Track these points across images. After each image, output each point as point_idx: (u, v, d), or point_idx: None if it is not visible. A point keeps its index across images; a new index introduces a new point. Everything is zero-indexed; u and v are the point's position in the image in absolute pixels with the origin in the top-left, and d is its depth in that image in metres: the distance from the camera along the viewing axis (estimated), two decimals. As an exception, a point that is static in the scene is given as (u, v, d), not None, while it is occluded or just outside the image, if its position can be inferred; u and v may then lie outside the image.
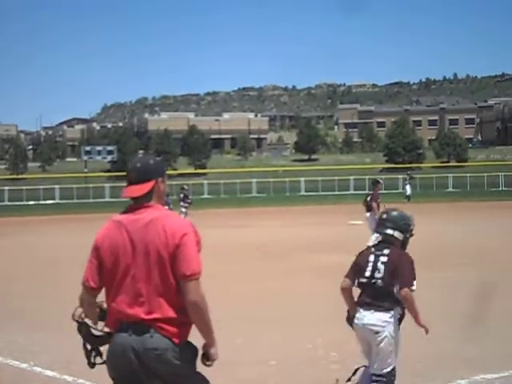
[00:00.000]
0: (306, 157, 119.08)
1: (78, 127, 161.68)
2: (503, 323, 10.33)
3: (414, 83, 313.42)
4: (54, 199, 60.66)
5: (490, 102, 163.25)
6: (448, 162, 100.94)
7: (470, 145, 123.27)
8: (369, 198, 20.44)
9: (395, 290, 6.27)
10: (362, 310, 6.42)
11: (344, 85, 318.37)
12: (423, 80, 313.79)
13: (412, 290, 6.23)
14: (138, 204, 4.38)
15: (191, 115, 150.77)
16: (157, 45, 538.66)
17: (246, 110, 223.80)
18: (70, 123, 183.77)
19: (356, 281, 6.53)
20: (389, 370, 6.35)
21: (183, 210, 29.90)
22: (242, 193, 63.18)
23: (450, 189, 61.92)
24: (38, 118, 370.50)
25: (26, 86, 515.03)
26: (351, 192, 57.05)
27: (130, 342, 4.19)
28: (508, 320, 10.52)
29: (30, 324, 11.22)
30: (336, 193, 56.12)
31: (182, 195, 31.27)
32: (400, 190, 56.25)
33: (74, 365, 8.29)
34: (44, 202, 58.33)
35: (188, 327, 4.30)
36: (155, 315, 4.19)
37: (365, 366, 6.60)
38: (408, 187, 49.68)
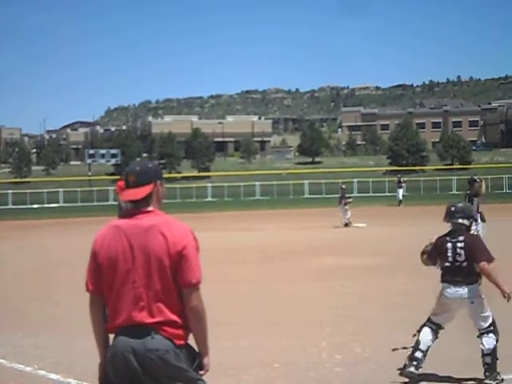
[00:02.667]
0: (309, 159, 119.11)
1: (82, 130, 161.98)
2: (506, 326, 10.31)
3: (417, 86, 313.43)
4: (58, 202, 60.75)
5: (494, 105, 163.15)
6: (452, 164, 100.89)
7: (474, 147, 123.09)
8: (467, 199, 19.22)
9: (476, 267, 7.89)
10: (452, 287, 7.94)
11: (347, 87, 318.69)
12: (427, 82, 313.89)
13: (492, 260, 8.03)
14: (137, 208, 4.36)
15: (195, 118, 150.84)
16: (160, 48, 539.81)
17: (250, 112, 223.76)
18: (73, 126, 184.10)
19: (438, 264, 8.26)
20: (490, 321, 8.04)
21: None
22: (246, 196, 63.20)
23: (454, 191, 61.84)
24: (41, 121, 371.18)
25: (29, 90, 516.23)
26: (355, 194, 56.95)
27: (130, 344, 4.18)
28: (509, 321, 10.50)
29: (34, 327, 11.23)
30: (340, 195, 55.97)
31: None
32: (405, 193, 56.22)
33: (77, 368, 8.30)
34: (48, 206, 58.41)
35: (188, 330, 4.30)
36: (157, 319, 4.20)
37: (429, 326, 8.17)
38: (400, 191, 48.01)
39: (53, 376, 8.25)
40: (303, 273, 16.84)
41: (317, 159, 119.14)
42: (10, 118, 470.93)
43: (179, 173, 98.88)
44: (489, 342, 7.89)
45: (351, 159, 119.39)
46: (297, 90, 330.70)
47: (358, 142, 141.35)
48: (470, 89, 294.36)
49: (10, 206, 58.27)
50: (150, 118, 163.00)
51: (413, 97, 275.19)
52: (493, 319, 8.05)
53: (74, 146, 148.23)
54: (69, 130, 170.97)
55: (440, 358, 8.60)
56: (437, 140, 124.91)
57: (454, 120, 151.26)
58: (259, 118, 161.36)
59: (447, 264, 8.05)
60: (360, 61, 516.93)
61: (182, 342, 4.25)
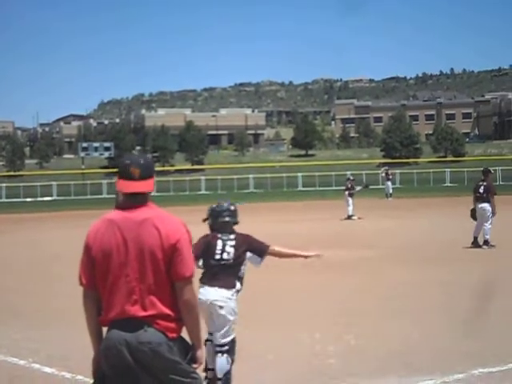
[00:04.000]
0: (303, 152, 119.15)
1: (75, 124, 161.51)
2: (502, 318, 10.35)
3: (410, 78, 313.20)
4: (51, 196, 60.67)
5: (487, 97, 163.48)
6: (445, 156, 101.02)
7: (467, 139, 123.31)
8: (481, 190, 19.22)
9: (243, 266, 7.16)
10: (207, 287, 6.89)
11: (341, 80, 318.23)
12: (420, 75, 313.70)
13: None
14: (132, 201, 4.35)
15: (188, 111, 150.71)
16: (153, 41, 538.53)
17: (243, 105, 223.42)
18: (66, 120, 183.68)
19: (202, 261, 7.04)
20: (230, 339, 7.00)
21: None
22: (240, 188, 63.20)
23: (448, 183, 61.97)
24: (34, 114, 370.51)
25: (22, 83, 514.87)
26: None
27: (123, 336, 4.20)
28: (507, 315, 10.54)
29: (29, 321, 11.23)
30: (333, 188, 56.05)
31: None
32: (398, 185, 56.28)
33: (72, 361, 8.30)
34: (41, 199, 58.32)
35: (181, 323, 4.32)
36: (150, 312, 4.21)
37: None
38: (389, 184, 46.62)
39: (47, 369, 8.25)
40: (297, 265, 16.83)
41: (310, 152, 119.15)
42: (2, 111, 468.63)
43: (172, 166, 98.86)
44: (223, 363, 6.93)
45: (345, 152, 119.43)
46: (290, 82, 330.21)
47: (352, 135, 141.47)
48: (463, 81, 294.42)
49: (4, 200, 58.20)
50: (144, 111, 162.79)
51: (406, 89, 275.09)
52: (234, 339, 7.11)
53: (68, 140, 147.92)
54: (62, 124, 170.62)
55: (442, 352, 8.63)
56: (430, 132, 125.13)
57: (447, 112, 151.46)
58: (253, 111, 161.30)
59: (213, 262, 7.04)
60: (353, 53, 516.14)
61: (174, 335, 4.26)
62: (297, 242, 21.72)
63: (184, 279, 4.25)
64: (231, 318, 6.95)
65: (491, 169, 21.11)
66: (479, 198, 19.13)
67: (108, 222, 4.35)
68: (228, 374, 6.93)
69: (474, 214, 19.24)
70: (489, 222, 18.84)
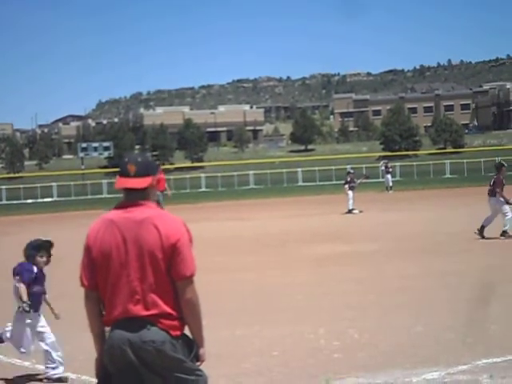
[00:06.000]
0: (302, 147, 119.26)
1: (74, 124, 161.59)
2: (505, 309, 10.35)
3: (408, 70, 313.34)
4: (51, 197, 60.57)
5: (485, 87, 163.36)
6: (444, 148, 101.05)
7: (467, 130, 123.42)
8: (492, 182, 19.26)
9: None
10: None
11: (338, 74, 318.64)
12: (417, 67, 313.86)
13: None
14: (130, 200, 4.36)
15: (186, 109, 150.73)
16: (150, 40, 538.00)
17: (241, 102, 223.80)
18: (65, 120, 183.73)
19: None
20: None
21: None
22: (240, 185, 63.15)
23: (448, 175, 61.95)
24: (33, 116, 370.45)
25: (20, 85, 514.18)
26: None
27: (126, 336, 4.20)
28: (510, 305, 10.54)
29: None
30: (333, 182, 56.04)
31: None
32: (398, 178, 56.26)
33: (77, 362, 8.31)
34: (42, 200, 58.25)
35: (184, 321, 4.32)
36: (152, 311, 4.21)
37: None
38: (389, 176, 46.22)
39: (52, 370, 8.24)
40: (300, 260, 16.86)
41: (310, 147, 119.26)
42: (1, 113, 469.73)
43: (172, 164, 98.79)
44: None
45: (344, 146, 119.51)
46: (288, 77, 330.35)
47: (351, 129, 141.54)
48: (461, 72, 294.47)
49: (4, 202, 58.15)
50: (142, 110, 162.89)
51: (404, 82, 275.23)
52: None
53: (67, 140, 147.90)
54: (60, 124, 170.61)
55: (446, 344, 8.63)
56: (429, 124, 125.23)
57: (445, 104, 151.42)
58: (251, 107, 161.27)
59: None
60: (350, 47, 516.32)
61: (178, 333, 4.26)
62: (297, 237, 21.76)
63: (185, 279, 4.24)
64: None
65: (504, 162, 20.97)
66: (489, 192, 19.19)
67: (108, 222, 4.34)
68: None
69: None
70: (506, 213, 18.74)
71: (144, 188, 4.35)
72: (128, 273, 4.24)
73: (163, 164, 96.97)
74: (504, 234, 18.57)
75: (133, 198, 4.35)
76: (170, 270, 4.23)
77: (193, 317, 4.31)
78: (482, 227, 18.75)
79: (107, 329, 4.34)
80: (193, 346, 4.35)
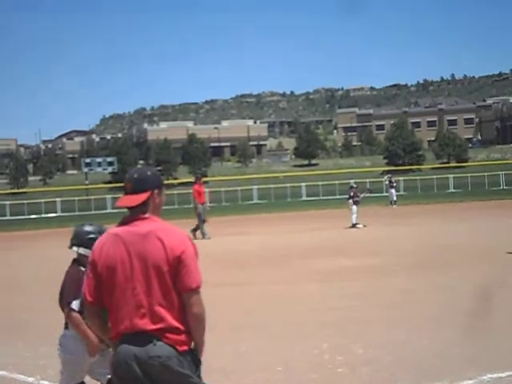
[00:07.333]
0: (306, 162, 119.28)
1: (78, 139, 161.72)
2: (509, 322, 10.34)
3: (411, 85, 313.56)
4: (55, 212, 60.60)
5: (489, 102, 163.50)
6: (448, 162, 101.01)
7: (470, 145, 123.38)
8: None
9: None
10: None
11: (342, 89, 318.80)
12: (421, 81, 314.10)
13: (72, 310, 6.06)
14: (133, 215, 4.39)
15: (190, 124, 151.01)
16: (154, 55, 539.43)
17: (245, 116, 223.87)
18: (69, 136, 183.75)
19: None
20: None
21: None
22: (244, 200, 63.15)
23: (452, 189, 61.87)
24: (37, 131, 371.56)
25: (24, 100, 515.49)
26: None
27: (133, 351, 4.20)
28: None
29: (37, 337, 11.22)
30: (337, 197, 56.01)
31: None
32: (402, 193, 56.18)
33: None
34: (46, 216, 58.26)
35: (191, 336, 4.32)
36: (159, 325, 4.22)
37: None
38: (393, 191, 46.22)
39: (56, 386, 8.24)
40: (303, 275, 16.84)
41: (313, 161, 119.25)
42: (5, 129, 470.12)
43: (176, 179, 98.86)
44: None
45: (347, 160, 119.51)
46: (291, 92, 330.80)
47: (354, 143, 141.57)
48: (464, 87, 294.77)
49: (8, 217, 58.15)
50: (146, 125, 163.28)
51: (407, 96, 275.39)
52: None
53: (71, 155, 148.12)
54: (64, 140, 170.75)
55: (451, 358, 8.62)
56: (432, 139, 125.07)
57: (449, 118, 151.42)
58: (255, 122, 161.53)
59: None
60: (354, 62, 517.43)
61: (184, 348, 4.26)
62: (301, 251, 21.74)
63: (191, 291, 4.25)
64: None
65: None
66: None
67: (113, 236, 4.37)
68: None
69: None
70: None
71: (143, 202, 4.38)
72: (134, 286, 4.25)
73: (167, 179, 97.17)
74: None
75: (135, 212, 4.39)
76: (175, 283, 4.23)
77: (198, 330, 4.31)
78: None
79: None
80: (199, 362, 4.35)
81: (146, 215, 4.37)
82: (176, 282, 4.24)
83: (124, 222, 4.41)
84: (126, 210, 4.45)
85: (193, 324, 4.27)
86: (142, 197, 4.38)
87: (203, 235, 27.19)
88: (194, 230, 27.11)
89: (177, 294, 4.25)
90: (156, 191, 4.45)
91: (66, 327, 6.29)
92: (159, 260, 4.23)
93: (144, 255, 4.25)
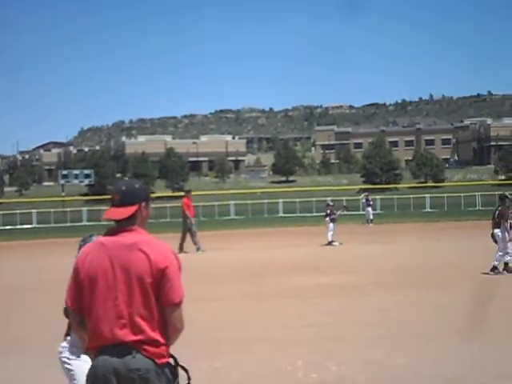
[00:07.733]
0: (283, 178, 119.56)
1: (55, 151, 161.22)
2: (487, 343, 10.33)
3: (390, 104, 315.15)
4: (31, 224, 60.18)
5: (466, 123, 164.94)
6: (425, 182, 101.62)
7: (447, 165, 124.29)
8: (496, 214, 19.02)
9: None
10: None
11: (321, 106, 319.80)
12: (399, 101, 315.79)
13: None
14: (120, 227, 4.37)
15: (168, 138, 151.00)
16: (133, 68, 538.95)
17: (224, 132, 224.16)
18: (46, 147, 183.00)
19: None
20: None
21: None
22: (221, 215, 63.05)
23: (428, 209, 62.13)
24: (14, 142, 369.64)
25: (1, 111, 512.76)
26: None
27: (111, 363, 4.17)
28: (491, 340, 10.53)
29: (5, 349, 11.09)
30: (314, 214, 56.07)
31: None
32: (378, 211, 56.33)
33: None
34: (21, 227, 57.86)
35: (168, 348, 4.31)
36: (138, 337, 4.19)
37: None
38: (369, 209, 45.96)
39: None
40: (279, 291, 16.81)
41: (291, 178, 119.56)
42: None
43: (153, 193, 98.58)
44: None
45: (325, 178, 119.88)
46: (271, 109, 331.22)
47: (332, 161, 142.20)
48: (442, 107, 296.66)
49: (-17, 228, 57.70)
50: (124, 138, 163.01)
51: (386, 115, 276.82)
52: None
53: (47, 167, 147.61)
54: (42, 151, 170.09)
55: (428, 380, 8.60)
56: (410, 158, 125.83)
57: (426, 138, 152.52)
58: (233, 138, 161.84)
59: None
60: (333, 80, 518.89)
61: (163, 361, 4.25)
62: (277, 268, 21.71)
63: (174, 305, 4.26)
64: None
65: (508, 194, 20.94)
66: (494, 224, 19.12)
67: (98, 245, 4.37)
68: None
69: (494, 239, 19.15)
70: (500, 249, 18.70)
71: (131, 215, 4.35)
72: (116, 296, 4.23)
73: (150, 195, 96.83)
74: (493, 269, 18.47)
75: (121, 224, 4.37)
76: (158, 296, 4.22)
77: (173, 341, 4.33)
78: (506, 264, 18.67)
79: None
80: (177, 374, 4.32)
81: (134, 227, 4.36)
82: (159, 296, 4.23)
83: (110, 233, 4.39)
84: (103, 222, 4.42)
85: (171, 335, 4.29)
86: (130, 210, 4.37)
87: (198, 249, 27.54)
88: (181, 245, 27.34)
89: (157, 307, 4.23)
90: (143, 204, 4.44)
91: (66, 336, 6.22)
92: (143, 272, 4.21)
93: (128, 266, 4.23)
